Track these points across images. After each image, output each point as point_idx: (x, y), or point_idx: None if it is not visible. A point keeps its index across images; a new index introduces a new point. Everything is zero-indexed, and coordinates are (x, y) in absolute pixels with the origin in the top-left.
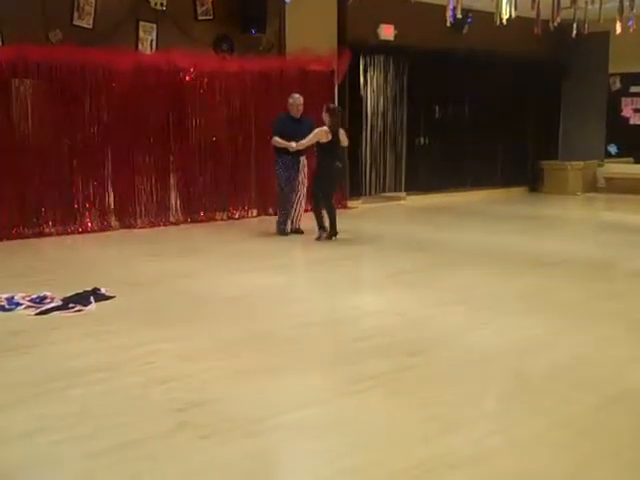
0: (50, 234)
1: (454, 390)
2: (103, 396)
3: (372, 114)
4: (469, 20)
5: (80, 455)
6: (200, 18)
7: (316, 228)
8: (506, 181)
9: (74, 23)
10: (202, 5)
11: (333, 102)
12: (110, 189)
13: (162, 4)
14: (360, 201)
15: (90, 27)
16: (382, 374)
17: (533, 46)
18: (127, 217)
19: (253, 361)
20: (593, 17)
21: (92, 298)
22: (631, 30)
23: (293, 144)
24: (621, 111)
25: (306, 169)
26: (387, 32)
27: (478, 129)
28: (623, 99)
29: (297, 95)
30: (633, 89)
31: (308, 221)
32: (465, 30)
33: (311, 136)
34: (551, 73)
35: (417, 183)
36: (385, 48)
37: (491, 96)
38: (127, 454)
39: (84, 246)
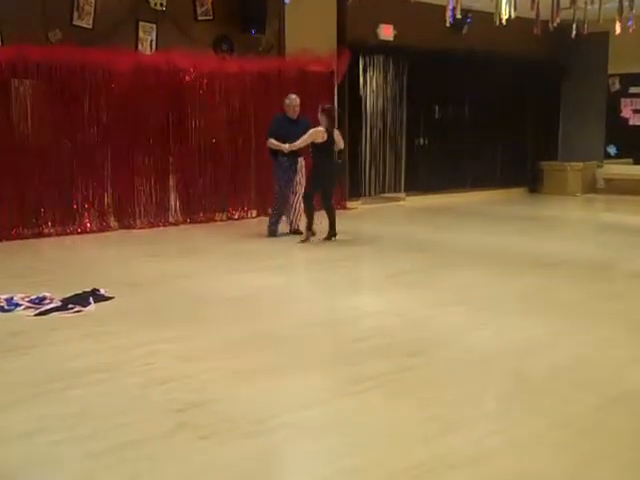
0: (49, 235)
1: (454, 390)
2: (102, 397)
3: (372, 114)
4: (469, 20)
5: (80, 455)
6: (200, 18)
7: (305, 229)
8: (506, 182)
9: (74, 23)
10: (202, 5)
11: (332, 103)
12: (109, 189)
13: (162, 4)
14: (359, 202)
15: (90, 27)
16: (382, 374)
17: (533, 46)
18: (126, 218)
19: (253, 361)
20: (593, 17)
21: (91, 299)
22: (630, 30)
23: (286, 146)
24: (620, 112)
25: (304, 170)
26: (386, 32)
27: (478, 129)
28: (622, 100)
29: (294, 96)
30: (632, 90)
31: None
32: (465, 30)
33: (306, 136)
34: (551, 74)
35: (417, 184)
36: (385, 48)
37: (491, 96)
38: (126, 454)
39: (83, 247)
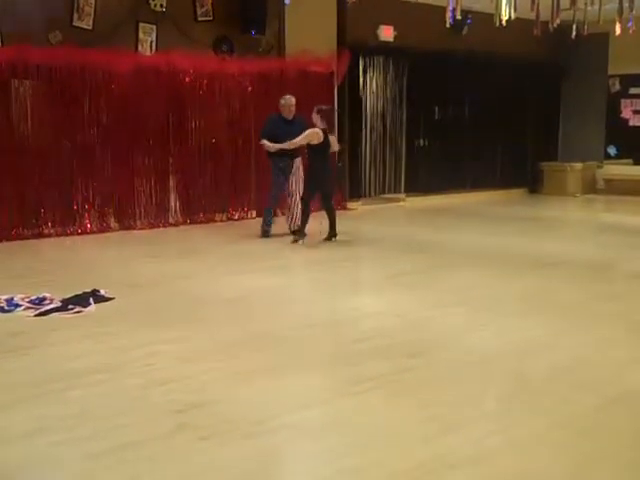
0: (49, 235)
1: (454, 391)
2: (102, 397)
3: (372, 115)
4: (469, 21)
5: (80, 456)
6: (200, 19)
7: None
8: (506, 182)
9: (74, 24)
10: (202, 6)
11: (332, 104)
12: (109, 190)
13: (162, 5)
14: (360, 202)
15: (90, 28)
16: (382, 375)
17: (533, 47)
18: (126, 218)
19: (253, 362)
20: (592, 18)
21: (91, 299)
22: (630, 31)
23: (275, 145)
24: (620, 112)
25: (301, 171)
26: (387, 33)
27: (478, 130)
28: (622, 100)
29: (289, 96)
30: (632, 90)
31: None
32: (465, 31)
33: (302, 137)
34: (551, 74)
35: (417, 184)
36: (385, 49)
37: (491, 97)
38: (126, 455)
39: (83, 247)
